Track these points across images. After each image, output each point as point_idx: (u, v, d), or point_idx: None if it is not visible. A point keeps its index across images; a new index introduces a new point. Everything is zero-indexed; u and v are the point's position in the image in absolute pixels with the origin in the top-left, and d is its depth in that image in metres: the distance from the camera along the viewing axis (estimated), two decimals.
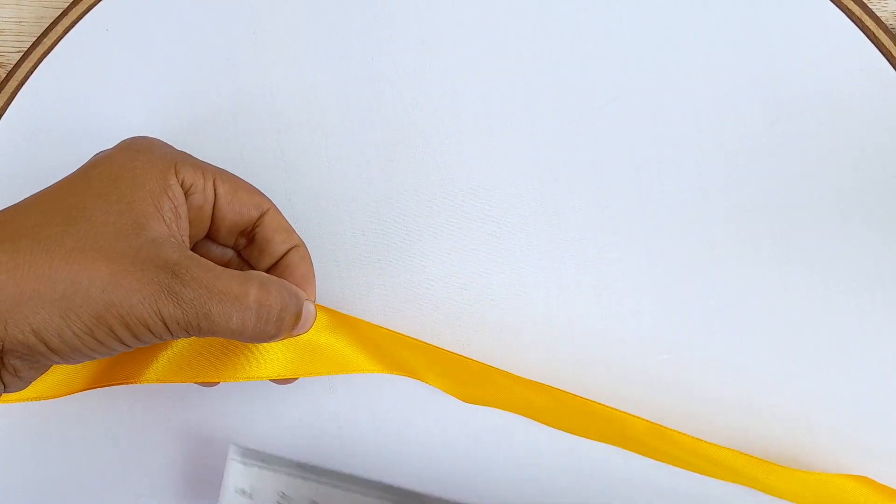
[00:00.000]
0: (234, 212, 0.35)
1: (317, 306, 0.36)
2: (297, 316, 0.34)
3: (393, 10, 0.40)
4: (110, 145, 0.39)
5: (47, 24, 0.40)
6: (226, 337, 0.32)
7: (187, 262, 0.31)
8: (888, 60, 0.40)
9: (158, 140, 0.35)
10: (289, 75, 0.40)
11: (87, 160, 0.34)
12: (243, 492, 0.36)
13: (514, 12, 0.40)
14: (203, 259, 0.32)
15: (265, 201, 0.36)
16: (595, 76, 0.40)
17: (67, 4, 0.40)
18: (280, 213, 0.36)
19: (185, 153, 0.35)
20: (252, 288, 0.32)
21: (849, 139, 0.40)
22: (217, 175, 0.35)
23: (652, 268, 0.40)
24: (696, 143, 0.40)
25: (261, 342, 0.33)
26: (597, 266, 0.40)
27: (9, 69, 0.40)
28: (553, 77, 0.40)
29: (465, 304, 0.40)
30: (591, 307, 0.40)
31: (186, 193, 0.34)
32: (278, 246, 0.36)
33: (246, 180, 0.36)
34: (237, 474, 0.36)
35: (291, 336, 0.34)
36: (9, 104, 0.40)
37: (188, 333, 0.31)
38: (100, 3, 0.40)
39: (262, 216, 0.36)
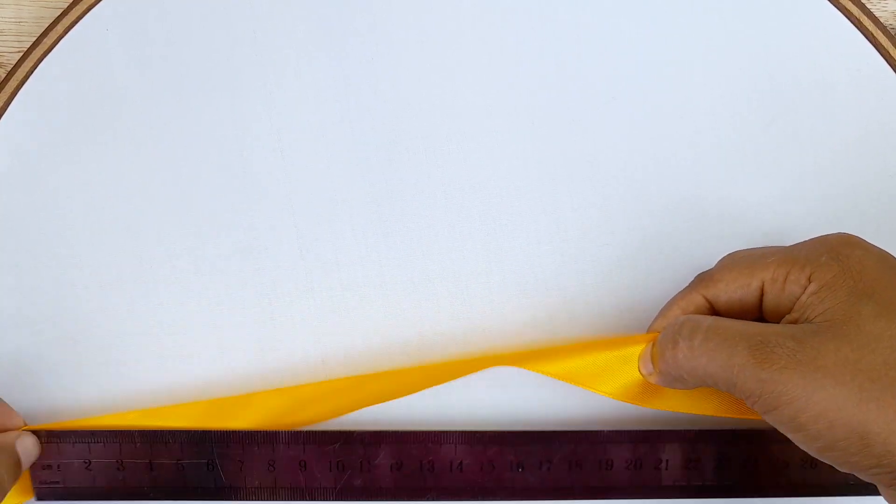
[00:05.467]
0: None
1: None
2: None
3: (393, 9, 0.40)
4: (109, 146, 0.40)
5: (47, 24, 0.40)
6: None
7: None
8: (887, 61, 0.40)
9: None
10: (289, 75, 0.40)
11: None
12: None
13: (513, 12, 0.40)
14: None
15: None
16: (594, 76, 0.40)
17: (67, 4, 0.40)
18: None
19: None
20: None
21: (846, 139, 0.40)
22: None
23: (651, 266, 0.40)
24: (694, 142, 0.40)
25: None
26: (597, 265, 0.40)
27: (9, 69, 0.40)
28: (553, 77, 0.40)
29: (465, 304, 0.40)
30: (592, 306, 0.40)
31: None
32: None
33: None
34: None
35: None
36: (9, 104, 0.40)
37: None
38: (100, 3, 0.40)
39: None
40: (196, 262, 0.40)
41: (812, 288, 0.32)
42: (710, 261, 0.39)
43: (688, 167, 0.40)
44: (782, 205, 0.40)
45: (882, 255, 0.33)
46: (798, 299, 0.32)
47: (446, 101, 0.40)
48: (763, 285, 0.34)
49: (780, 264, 0.33)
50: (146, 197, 0.40)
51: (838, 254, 0.32)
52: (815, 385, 0.29)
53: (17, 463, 0.35)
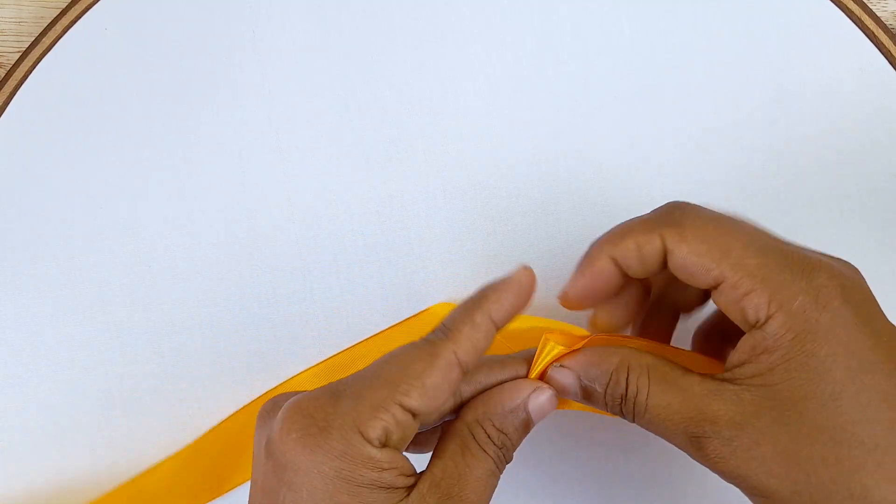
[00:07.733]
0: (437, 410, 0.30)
1: None
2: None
3: (392, 9, 0.40)
4: (108, 145, 0.40)
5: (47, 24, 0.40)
6: None
7: None
8: (888, 60, 0.40)
9: (330, 405, 0.28)
10: (289, 75, 0.40)
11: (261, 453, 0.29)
12: None
13: (513, 12, 0.40)
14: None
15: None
16: (595, 76, 0.40)
17: (66, 4, 0.40)
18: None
19: (374, 393, 0.28)
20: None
21: (848, 139, 0.40)
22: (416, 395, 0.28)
23: None
24: (696, 142, 0.40)
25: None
26: None
27: (8, 69, 0.40)
28: (553, 76, 0.40)
29: None
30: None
31: (389, 443, 0.28)
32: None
33: (499, 359, 0.32)
34: None
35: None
36: (8, 103, 0.40)
37: None
38: (99, 3, 0.40)
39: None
40: (195, 262, 0.40)
41: (778, 329, 0.28)
42: None
43: (690, 168, 0.40)
44: (786, 204, 0.40)
45: (858, 294, 0.30)
46: (760, 329, 0.29)
47: (446, 100, 0.40)
48: (721, 285, 0.29)
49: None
50: (145, 196, 0.40)
51: (809, 285, 0.29)
52: (761, 472, 0.28)
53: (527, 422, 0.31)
